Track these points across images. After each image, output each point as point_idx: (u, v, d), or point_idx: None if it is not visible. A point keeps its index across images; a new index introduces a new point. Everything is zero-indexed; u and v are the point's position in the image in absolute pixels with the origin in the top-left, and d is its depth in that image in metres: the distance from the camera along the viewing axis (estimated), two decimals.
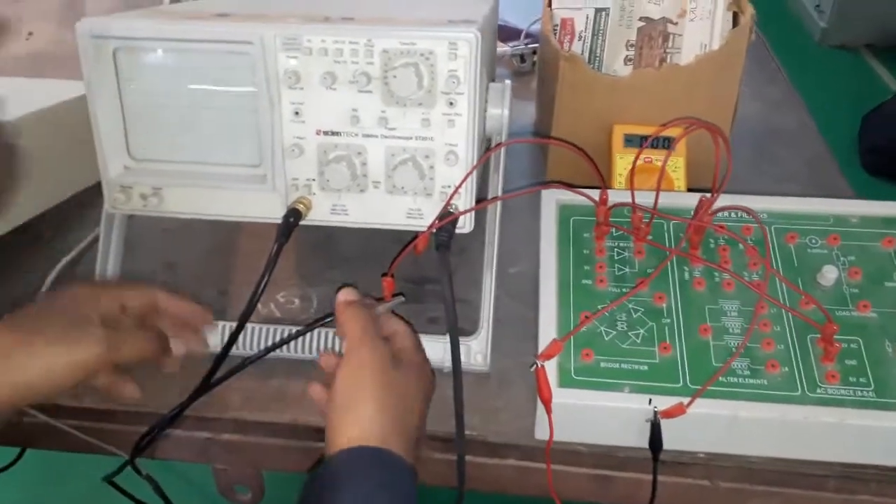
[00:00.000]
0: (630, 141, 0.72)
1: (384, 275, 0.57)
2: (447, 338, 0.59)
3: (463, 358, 0.58)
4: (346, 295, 0.54)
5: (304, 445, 0.59)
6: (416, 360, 0.53)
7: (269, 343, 0.59)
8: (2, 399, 0.47)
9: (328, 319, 0.56)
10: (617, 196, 0.60)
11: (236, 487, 0.65)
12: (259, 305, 0.66)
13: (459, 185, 0.55)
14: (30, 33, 1.20)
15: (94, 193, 0.76)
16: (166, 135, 0.57)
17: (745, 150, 0.85)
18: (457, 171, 0.55)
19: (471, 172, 0.55)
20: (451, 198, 0.56)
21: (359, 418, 0.47)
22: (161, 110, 0.56)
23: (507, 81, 0.60)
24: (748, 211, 0.57)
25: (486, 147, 0.61)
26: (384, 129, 0.55)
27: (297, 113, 0.55)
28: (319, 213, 0.57)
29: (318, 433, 0.58)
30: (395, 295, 0.57)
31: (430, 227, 0.55)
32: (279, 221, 0.56)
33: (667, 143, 0.72)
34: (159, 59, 0.55)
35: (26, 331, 0.48)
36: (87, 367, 0.49)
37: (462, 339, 0.59)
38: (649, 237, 0.58)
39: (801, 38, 3.15)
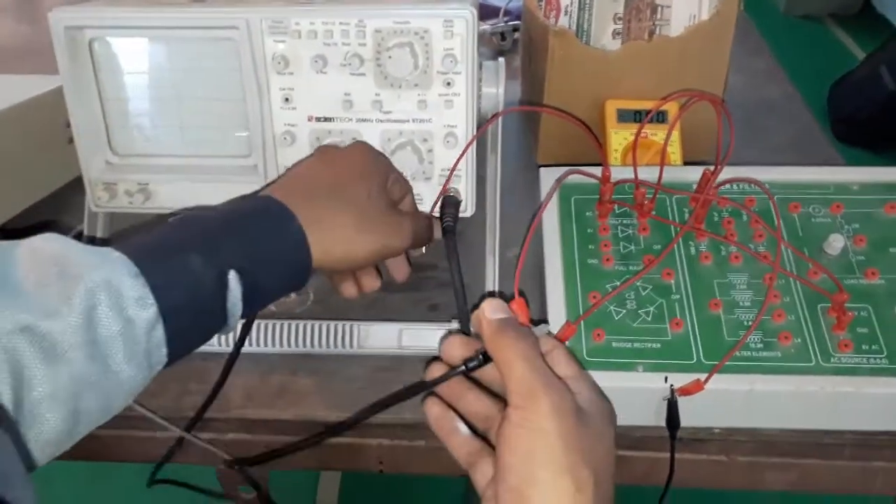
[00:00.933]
0: (623, 116, 0.71)
1: (511, 297, 0.42)
2: (451, 325, 0.58)
3: None
4: (495, 311, 0.41)
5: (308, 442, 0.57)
6: (604, 409, 0.41)
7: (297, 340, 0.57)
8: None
9: (473, 364, 0.42)
10: (616, 173, 0.59)
11: (241, 488, 0.63)
12: None
13: (456, 164, 0.53)
14: None
15: (68, 192, 0.73)
16: (150, 128, 0.55)
17: (734, 121, 0.85)
18: (456, 154, 0.53)
19: (467, 149, 0.53)
20: (448, 180, 0.54)
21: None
22: (143, 102, 0.54)
23: (501, 59, 0.59)
24: (755, 182, 0.57)
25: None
26: (379, 113, 0.53)
27: (287, 99, 0.52)
28: None
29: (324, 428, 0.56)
30: (535, 322, 0.43)
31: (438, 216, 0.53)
32: None
33: (662, 117, 0.71)
34: (139, 49, 0.53)
35: (330, 202, 0.46)
36: (387, 254, 0.49)
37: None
38: (653, 213, 0.57)
39: (767, 8, 3.18)
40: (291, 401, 0.56)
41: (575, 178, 0.60)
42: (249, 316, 0.47)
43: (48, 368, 0.35)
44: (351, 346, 0.57)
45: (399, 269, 0.55)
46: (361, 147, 0.51)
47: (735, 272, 0.54)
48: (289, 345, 0.57)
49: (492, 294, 0.58)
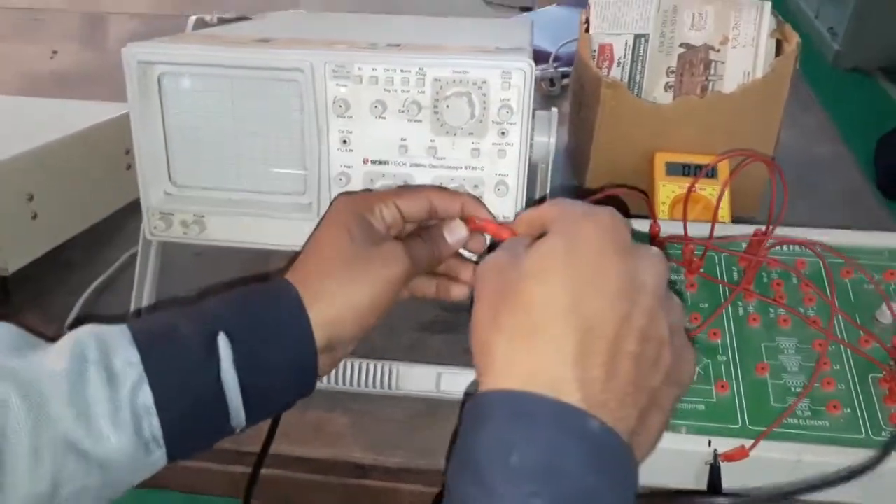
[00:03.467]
0: (672, 169, 0.71)
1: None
2: None
3: None
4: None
5: (341, 482, 0.57)
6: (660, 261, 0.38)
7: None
8: (321, 341, 0.43)
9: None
10: (664, 227, 0.58)
11: None
12: None
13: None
14: (54, 52, 1.20)
15: (123, 216, 0.75)
16: (210, 162, 0.56)
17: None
18: (507, 202, 0.54)
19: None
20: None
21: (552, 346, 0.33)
22: (205, 136, 0.56)
23: (554, 110, 0.59)
24: (808, 245, 0.56)
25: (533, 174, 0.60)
26: (432, 159, 0.53)
27: (344, 141, 0.54)
28: None
29: (359, 470, 0.56)
30: None
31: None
32: None
33: (712, 172, 0.71)
34: (205, 85, 0.54)
35: (318, 261, 0.45)
36: (394, 285, 0.45)
37: None
38: (702, 270, 0.57)
39: (815, 60, 3.16)
40: (327, 440, 0.56)
41: None
42: (257, 405, 0.43)
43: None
44: (389, 386, 0.57)
45: (426, 289, 0.52)
46: (340, 196, 0.49)
47: (784, 336, 0.53)
48: (327, 381, 0.57)
49: None
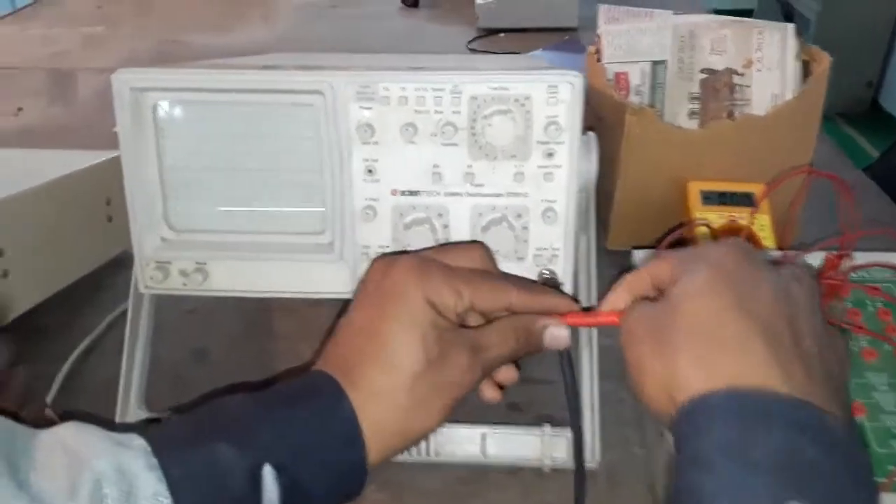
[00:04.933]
0: (709, 198, 0.66)
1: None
2: (541, 430, 0.50)
3: (563, 454, 0.50)
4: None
5: None
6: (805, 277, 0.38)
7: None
8: (371, 464, 0.38)
9: None
10: None
11: None
12: None
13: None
14: (19, 109, 1.13)
15: (101, 274, 0.67)
16: (213, 201, 0.49)
17: (813, 201, 0.80)
18: (556, 230, 0.48)
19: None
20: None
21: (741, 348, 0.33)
22: (207, 172, 0.49)
23: (592, 133, 0.54)
24: (890, 266, 0.51)
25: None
26: (470, 186, 0.48)
27: (370, 171, 0.47)
28: None
29: None
30: None
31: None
32: (347, 297, 0.49)
33: (748, 200, 0.66)
34: (207, 114, 0.48)
35: (383, 377, 0.38)
36: (459, 403, 0.41)
37: (557, 430, 0.51)
38: None
39: None
40: None
41: None
42: None
43: None
44: (427, 452, 0.50)
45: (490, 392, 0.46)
46: (402, 264, 0.41)
47: (872, 370, 0.48)
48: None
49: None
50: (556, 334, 0.43)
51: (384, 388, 0.38)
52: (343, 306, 0.44)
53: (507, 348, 0.42)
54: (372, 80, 0.46)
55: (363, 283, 0.43)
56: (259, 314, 0.67)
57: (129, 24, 1.53)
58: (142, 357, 0.53)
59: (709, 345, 0.33)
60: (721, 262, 0.36)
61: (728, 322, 0.33)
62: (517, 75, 0.46)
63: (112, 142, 0.48)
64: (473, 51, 1.32)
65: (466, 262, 0.43)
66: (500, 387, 0.45)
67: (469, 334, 0.41)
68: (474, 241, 0.47)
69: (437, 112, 0.46)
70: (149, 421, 0.51)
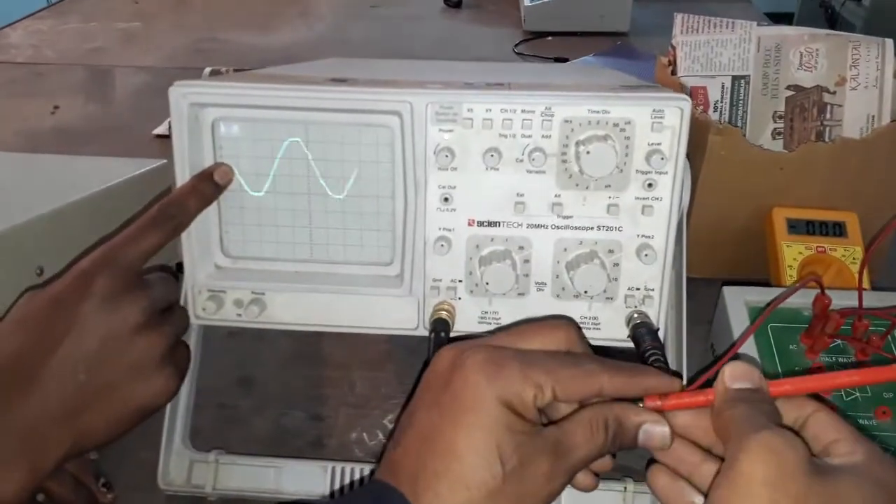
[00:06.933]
0: (795, 227, 0.61)
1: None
2: (622, 485, 0.46)
3: None
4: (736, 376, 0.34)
5: None
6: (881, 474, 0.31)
7: None
8: None
9: None
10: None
11: None
12: (365, 435, 0.53)
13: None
14: (55, 107, 1.10)
15: None
16: (273, 227, 0.45)
17: None
18: (653, 270, 0.43)
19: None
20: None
21: None
22: (267, 196, 0.45)
23: (685, 161, 0.49)
24: None
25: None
26: (556, 218, 0.43)
27: (446, 199, 0.43)
28: (464, 322, 0.45)
29: None
30: None
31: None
32: (413, 333, 0.44)
33: (839, 230, 0.61)
34: (270, 133, 0.44)
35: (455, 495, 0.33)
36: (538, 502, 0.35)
37: (640, 486, 0.46)
38: (882, 349, 0.46)
39: None
40: None
41: (765, 300, 0.49)
42: None
43: None
44: None
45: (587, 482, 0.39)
46: (473, 359, 0.35)
47: None
48: None
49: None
50: (653, 432, 0.36)
51: None
52: (405, 402, 0.39)
53: (594, 447, 0.35)
54: (454, 99, 0.41)
55: (428, 377, 0.37)
56: (307, 337, 0.63)
57: (165, 20, 1.50)
58: (188, 391, 0.49)
59: None
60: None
61: None
62: (618, 97, 0.41)
63: (151, 146, 0.44)
64: (520, 55, 1.28)
65: (548, 344, 0.37)
66: (595, 473, 0.39)
67: (551, 437, 0.35)
68: (560, 317, 0.41)
69: (524, 136, 0.42)
70: None
